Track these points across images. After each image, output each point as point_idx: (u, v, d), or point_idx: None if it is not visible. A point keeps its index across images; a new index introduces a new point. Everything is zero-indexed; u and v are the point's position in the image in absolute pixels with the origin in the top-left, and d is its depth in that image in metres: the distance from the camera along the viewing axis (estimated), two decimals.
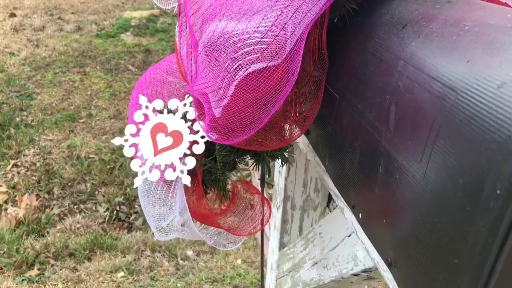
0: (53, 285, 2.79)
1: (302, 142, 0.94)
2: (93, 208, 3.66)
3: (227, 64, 0.61)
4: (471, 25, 0.45)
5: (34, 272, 2.88)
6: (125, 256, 3.04)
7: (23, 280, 2.79)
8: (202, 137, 0.77)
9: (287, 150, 0.81)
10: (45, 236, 3.22)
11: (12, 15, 6.44)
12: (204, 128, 0.70)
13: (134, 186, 0.79)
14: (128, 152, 0.78)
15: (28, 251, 3.02)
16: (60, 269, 2.93)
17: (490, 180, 0.34)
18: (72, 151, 4.13)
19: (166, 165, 0.76)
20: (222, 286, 2.86)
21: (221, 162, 0.77)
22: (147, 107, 0.80)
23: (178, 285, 2.82)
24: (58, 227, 3.33)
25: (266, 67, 0.60)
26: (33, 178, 3.84)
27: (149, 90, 0.84)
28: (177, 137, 0.77)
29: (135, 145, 0.78)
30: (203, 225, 0.92)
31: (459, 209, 0.37)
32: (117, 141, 0.79)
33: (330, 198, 1.20)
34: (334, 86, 0.68)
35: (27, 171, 3.94)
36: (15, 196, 3.56)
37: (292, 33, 0.59)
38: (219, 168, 0.77)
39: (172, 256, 3.11)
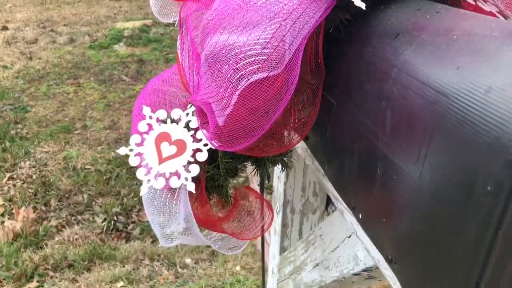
0: None
1: (300, 147, 0.97)
2: (91, 219, 3.67)
3: (229, 74, 0.64)
4: (459, 34, 0.48)
5: (33, 284, 2.88)
6: (124, 266, 3.05)
7: None
8: (205, 145, 0.80)
9: (287, 156, 0.84)
10: (43, 248, 3.22)
11: (4, 28, 6.45)
12: (208, 136, 0.73)
13: (140, 194, 0.81)
14: (133, 161, 0.81)
15: (27, 264, 3.02)
16: (60, 281, 2.93)
17: (481, 178, 0.37)
18: (68, 162, 4.14)
19: (171, 173, 0.79)
20: None
21: (224, 169, 0.80)
22: (150, 117, 0.82)
23: None
24: (56, 239, 3.33)
25: (267, 76, 0.63)
26: (30, 190, 3.83)
27: (151, 101, 0.87)
28: (181, 146, 0.80)
29: (140, 154, 0.81)
30: (206, 230, 0.94)
31: (453, 206, 0.40)
32: (122, 150, 0.82)
33: (328, 202, 1.23)
34: (331, 93, 0.71)
35: (23, 183, 3.94)
36: (12, 209, 3.56)
37: (290, 44, 0.62)
38: (222, 174, 0.80)
39: (171, 264, 3.12)
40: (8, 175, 3.96)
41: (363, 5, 0.61)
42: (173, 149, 0.80)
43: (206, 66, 0.67)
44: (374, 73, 0.58)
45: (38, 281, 2.91)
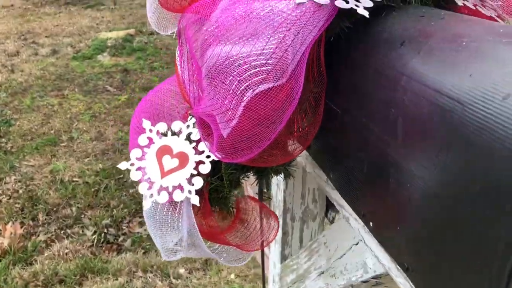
0: None
1: (300, 155, 0.97)
2: (80, 232, 3.61)
3: (234, 86, 0.63)
4: (468, 40, 0.49)
5: None
6: (117, 279, 3.00)
7: None
8: (208, 156, 0.79)
9: (290, 165, 0.84)
10: (33, 264, 3.16)
11: None
12: (212, 148, 0.72)
13: (144, 209, 0.80)
14: (135, 175, 0.79)
15: (17, 281, 2.96)
16: None
17: (505, 184, 0.37)
18: (55, 175, 4.08)
19: (174, 187, 0.78)
20: None
21: (227, 180, 0.79)
22: (151, 131, 0.81)
23: None
24: (46, 254, 3.27)
25: (272, 87, 0.62)
26: (16, 205, 3.77)
27: (150, 113, 0.86)
28: (183, 158, 0.79)
29: (141, 169, 0.80)
30: (209, 242, 0.93)
31: (477, 214, 0.40)
32: (123, 165, 0.80)
33: (327, 208, 1.23)
34: (335, 101, 0.71)
35: (9, 199, 3.87)
36: None
37: (295, 54, 0.62)
38: (226, 186, 0.79)
39: (164, 275, 3.08)
40: None
41: (366, 13, 0.62)
42: (175, 162, 0.79)
43: (209, 78, 0.67)
44: (381, 81, 0.58)
45: None
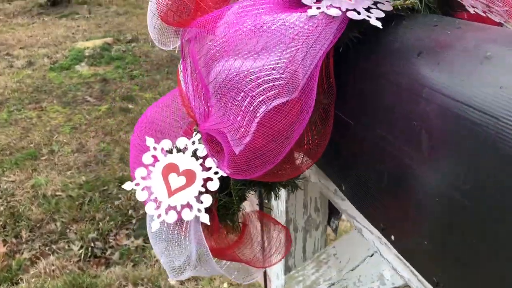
0: None
1: None
2: (66, 247, 3.53)
3: (246, 102, 0.62)
4: (491, 51, 0.48)
5: None
6: None
7: None
8: (216, 173, 0.77)
9: (298, 177, 0.82)
10: (19, 283, 3.08)
11: None
12: (222, 165, 0.70)
13: (152, 231, 0.77)
14: (141, 196, 0.77)
15: None
16: None
17: None
18: (37, 190, 3.98)
19: (182, 205, 0.76)
20: None
21: (236, 196, 0.77)
22: (155, 148, 0.79)
23: None
24: (32, 272, 3.19)
25: (286, 101, 0.61)
26: None
27: (152, 131, 0.84)
28: (190, 176, 0.77)
29: (147, 188, 0.77)
30: (215, 259, 0.91)
31: (510, 229, 0.40)
32: (128, 186, 0.78)
33: (330, 216, 1.22)
34: (345, 112, 0.70)
35: None
36: None
37: (308, 68, 0.61)
38: (235, 202, 0.77)
39: (155, 287, 3.03)
40: None
41: (379, 24, 0.61)
42: (182, 180, 0.77)
43: (219, 95, 0.65)
44: (399, 92, 0.57)
45: None
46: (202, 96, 0.73)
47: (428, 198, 0.52)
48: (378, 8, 0.63)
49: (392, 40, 0.62)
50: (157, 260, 3.28)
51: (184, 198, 0.76)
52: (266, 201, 1.15)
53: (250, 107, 0.61)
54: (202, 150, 0.78)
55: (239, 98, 0.62)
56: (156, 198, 0.77)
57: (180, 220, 0.81)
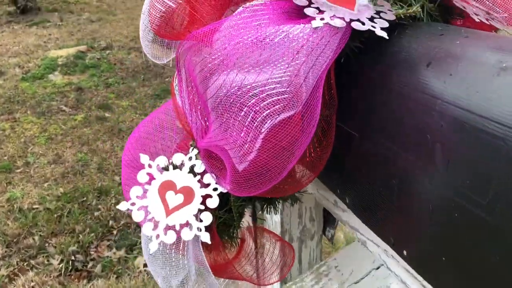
0: None
1: None
2: (46, 262, 3.44)
3: (250, 117, 0.59)
4: (507, 62, 0.47)
5: None
6: None
7: None
8: (215, 189, 0.74)
9: (300, 191, 0.80)
10: None
11: None
12: (224, 182, 0.68)
13: (150, 253, 0.74)
14: (137, 216, 0.73)
15: None
16: None
17: None
18: (12, 204, 3.87)
19: (181, 225, 0.73)
20: None
21: (237, 213, 0.75)
22: (150, 166, 0.76)
23: None
24: None
25: (292, 115, 0.59)
26: None
27: (146, 147, 0.81)
28: (188, 193, 0.74)
29: (143, 208, 0.74)
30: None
31: None
32: (123, 206, 0.74)
33: (325, 225, 1.21)
34: (350, 125, 0.68)
35: None
36: None
37: (313, 81, 0.59)
38: (235, 219, 0.75)
39: None
40: None
41: (385, 34, 0.59)
42: (180, 198, 0.74)
43: (220, 110, 0.62)
44: (409, 104, 0.55)
45: None
46: (199, 111, 0.70)
47: (447, 215, 0.50)
48: (381, 18, 0.61)
49: (397, 50, 0.61)
50: (140, 271, 3.22)
51: (183, 217, 0.73)
52: (260, 212, 1.12)
53: (254, 123, 0.59)
54: (199, 166, 0.75)
55: (242, 114, 0.60)
56: (153, 218, 0.73)
57: (177, 239, 0.78)
